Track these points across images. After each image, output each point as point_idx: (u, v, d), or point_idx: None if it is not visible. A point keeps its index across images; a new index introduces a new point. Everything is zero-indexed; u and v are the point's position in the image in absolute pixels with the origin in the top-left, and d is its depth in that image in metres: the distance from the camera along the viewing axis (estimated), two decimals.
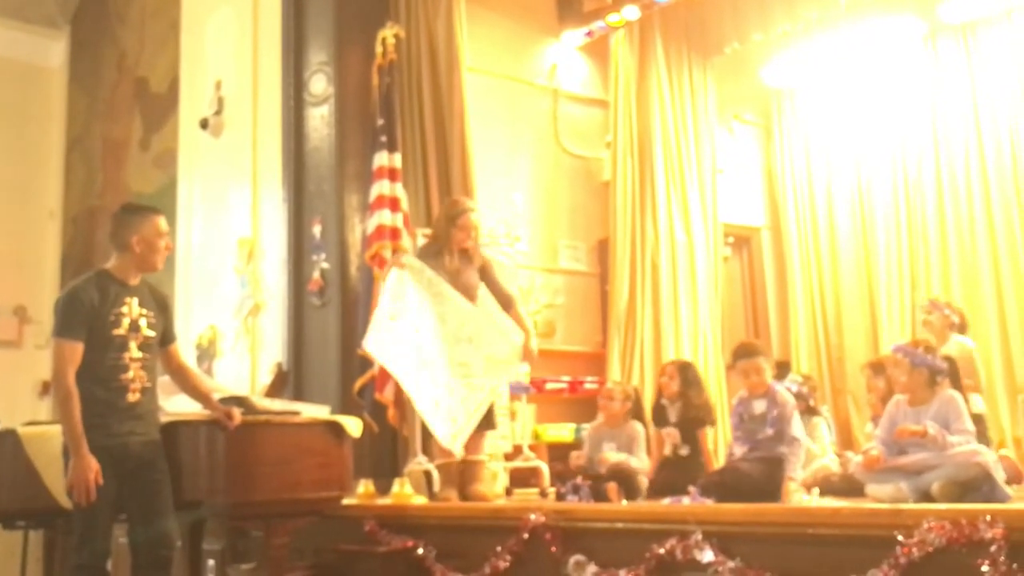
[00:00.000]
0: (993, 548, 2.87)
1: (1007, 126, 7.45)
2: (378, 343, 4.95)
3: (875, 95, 8.24)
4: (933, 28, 7.80)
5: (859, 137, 8.33)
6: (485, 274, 5.28)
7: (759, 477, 4.52)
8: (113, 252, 4.01)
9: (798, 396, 5.82)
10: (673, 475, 5.12)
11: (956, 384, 4.35)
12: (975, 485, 3.87)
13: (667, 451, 5.44)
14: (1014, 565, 2.84)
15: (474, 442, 5.08)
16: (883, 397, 5.50)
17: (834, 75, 8.42)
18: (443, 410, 4.86)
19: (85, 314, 3.80)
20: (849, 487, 4.64)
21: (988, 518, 2.92)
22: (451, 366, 4.94)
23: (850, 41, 7.86)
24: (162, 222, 4.04)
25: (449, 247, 5.20)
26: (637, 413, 5.53)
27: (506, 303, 5.24)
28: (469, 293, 5.16)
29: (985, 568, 2.87)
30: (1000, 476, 3.98)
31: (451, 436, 4.87)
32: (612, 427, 5.46)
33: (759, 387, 4.76)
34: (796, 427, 4.64)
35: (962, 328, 6.25)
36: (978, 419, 5.26)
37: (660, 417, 5.54)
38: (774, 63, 8.38)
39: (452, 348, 4.98)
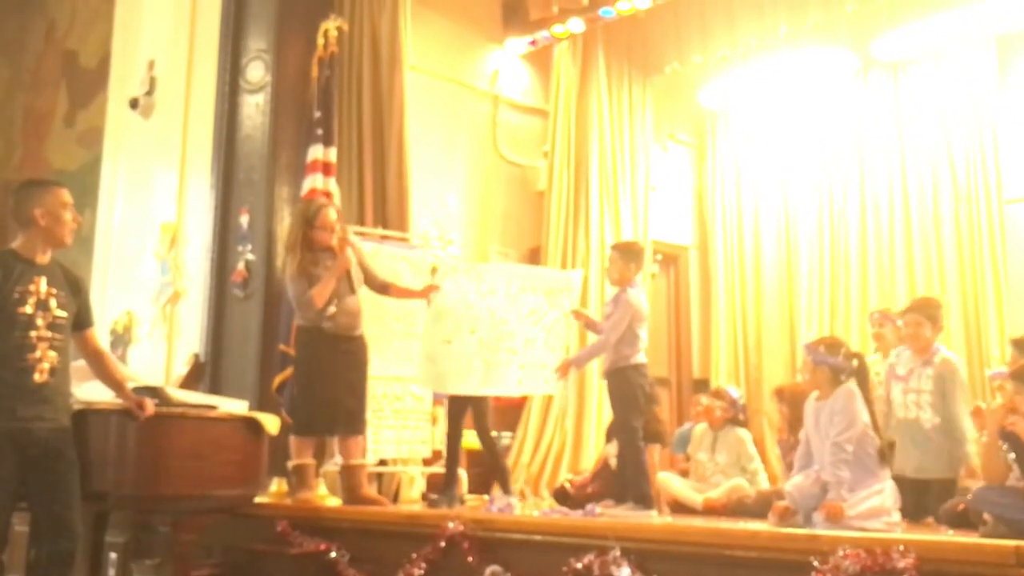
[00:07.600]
0: None
1: (929, 163, 7.66)
2: (431, 377, 5.08)
3: (807, 125, 8.41)
4: (866, 63, 8.01)
5: (788, 164, 8.50)
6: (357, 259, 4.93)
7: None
8: (18, 231, 3.85)
9: (737, 405, 6.02)
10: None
11: (863, 382, 4.26)
12: None
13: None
14: None
15: (354, 445, 4.94)
16: (789, 421, 5.61)
17: (768, 102, 8.58)
18: (530, 372, 5.06)
19: None
20: (763, 508, 4.70)
21: (901, 548, 2.98)
22: (522, 324, 5.06)
23: (786, 70, 8.04)
24: (66, 194, 3.90)
25: (312, 251, 4.78)
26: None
27: (382, 288, 5.07)
28: (353, 287, 4.83)
29: None
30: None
31: (552, 382, 5.16)
32: None
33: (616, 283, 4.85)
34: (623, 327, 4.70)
35: None
36: None
37: None
38: (711, 86, 8.50)
39: (516, 306, 5.08)
